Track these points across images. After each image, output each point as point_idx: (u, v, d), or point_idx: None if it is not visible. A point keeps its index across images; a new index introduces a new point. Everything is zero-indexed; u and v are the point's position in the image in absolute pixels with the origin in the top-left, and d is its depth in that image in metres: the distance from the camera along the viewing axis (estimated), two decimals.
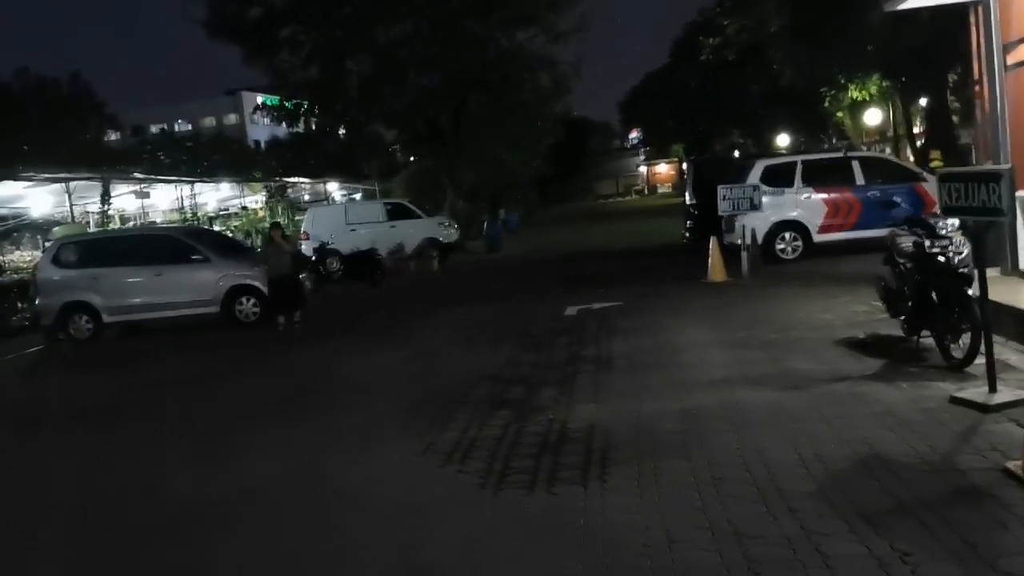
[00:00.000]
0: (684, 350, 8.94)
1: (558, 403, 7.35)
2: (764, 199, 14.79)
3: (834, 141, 38.37)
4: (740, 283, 13.71)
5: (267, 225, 29.89)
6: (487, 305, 14.59)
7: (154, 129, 60.20)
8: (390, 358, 10.49)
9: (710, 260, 14.28)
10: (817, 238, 15.76)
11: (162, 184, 25.92)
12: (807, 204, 15.71)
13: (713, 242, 14.33)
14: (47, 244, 16.31)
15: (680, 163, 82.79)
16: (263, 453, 6.81)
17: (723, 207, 14.37)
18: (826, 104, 33.15)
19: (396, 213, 25.70)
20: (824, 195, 15.66)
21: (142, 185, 23.02)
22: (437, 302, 16.00)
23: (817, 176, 15.79)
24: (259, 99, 33.98)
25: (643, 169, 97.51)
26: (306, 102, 30.79)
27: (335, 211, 27.20)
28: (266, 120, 38.12)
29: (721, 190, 14.38)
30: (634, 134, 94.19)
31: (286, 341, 13.15)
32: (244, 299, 14.86)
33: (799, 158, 16.58)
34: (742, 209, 14.25)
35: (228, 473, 6.45)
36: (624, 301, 12.96)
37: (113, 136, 53.17)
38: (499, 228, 30.30)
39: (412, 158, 40.92)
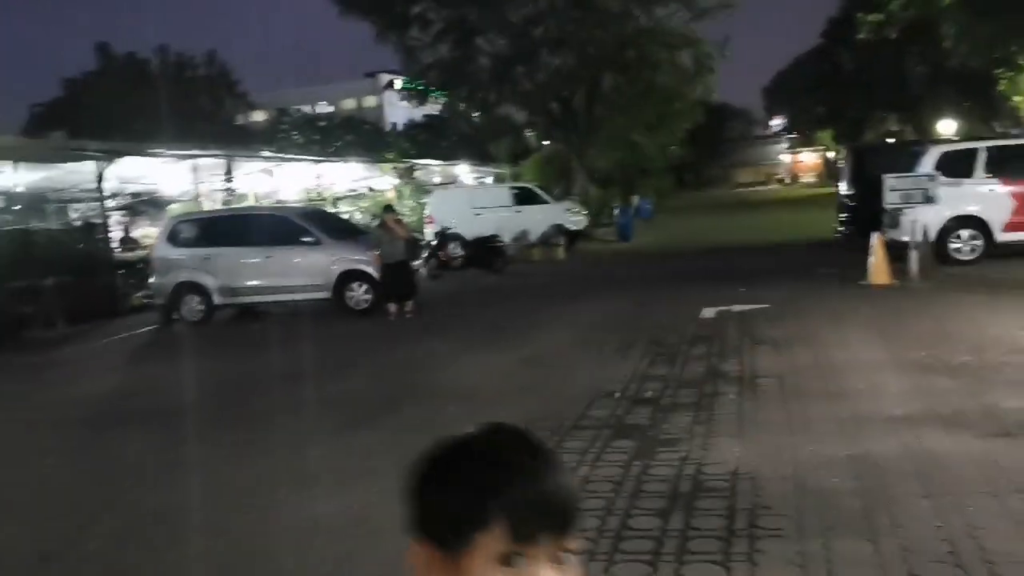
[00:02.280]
0: (849, 372, 7.36)
1: (692, 435, 5.99)
2: (941, 191, 12.79)
3: (1003, 130, 34.82)
4: (908, 287, 11.84)
5: (402, 207, 29.69)
6: (614, 301, 13.23)
7: (305, 110, 61.17)
8: (501, 361, 9.32)
9: (872, 259, 12.45)
10: (1001, 237, 13.62)
11: (291, 163, 25.74)
12: (990, 197, 13.59)
13: (876, 238, 12.48)
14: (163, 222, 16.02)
15: (826, 152, 78.63)
16: (329, 489, 5.74)
17: (891, 200, 12.48)
18: (1001, 87, 29.86)
19: (523, 198, 24.56)
20: (1012, 187, 13.50)
21: (268, 164, 22.75)
22: (559, 295, 14.77)
23: (1004, 165, 13.63)
24: (385, 79, 33.48)
25: (785, 157, 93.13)
26: (436, 82, 29.99)
27: (460, 195, 26.29)
28: (401, 102, 37.75)
29: (889, 180, 12.49)
30: (776, 121, 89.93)
31: (394, 334, 12.20)
32: (356, 285, 14.04)
33: (983, 144, 14.40)
34: (914, 202, 12.32)
35: (281, 511, 5.40)
36: (771, 304, 11.35)
37: (257, 117, 54.35)
38: (631, 216, 28.73)
39: (544, 142, 39.73)
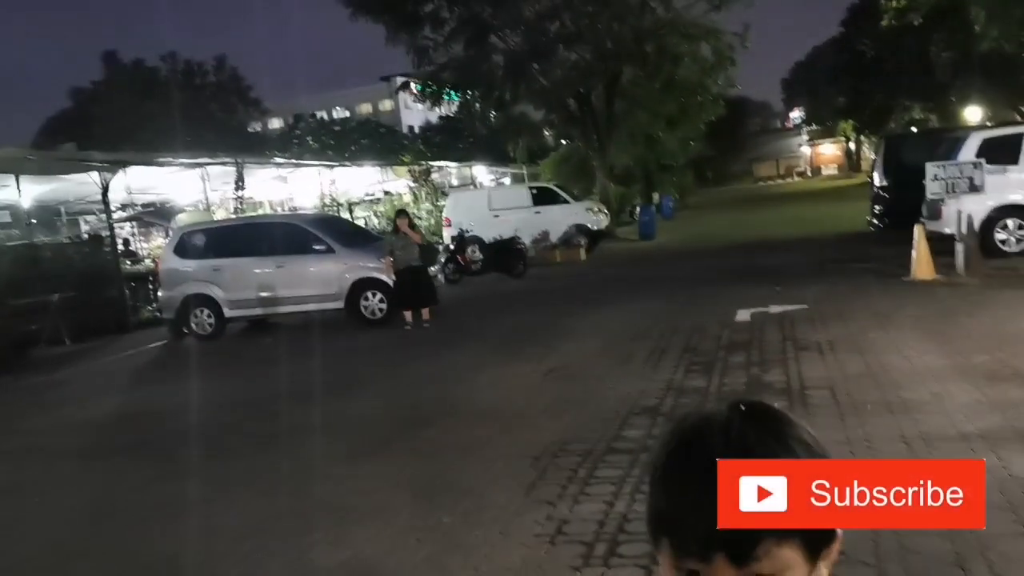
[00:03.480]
0: (908, 381, 6.68)
1: None
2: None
3: None
4: (956, 283, 11.10)
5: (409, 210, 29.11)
6: (642, 304, 12.57)
7: (321, 116, 60.72)
8: (525, 374, 8.69)
9: (915, 253, 11.72)
10: None
11: (306, 168, 25.23)
12: None
13: (919, 231, 11.74)
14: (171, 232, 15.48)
15: (847, 143, 77.42)
16: (331, 534, 5.13)
17: (934, 189, 11.71)
18: None
19: (542, 198, 23.90)
20: None
21: (281, 171, 22.24)
22: (584, 299, 14.12)
23: None
24: (400, 82, 32.77)
25: (806, 150, 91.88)
26: (450, 83, 29.36)
27: (478, 196, 25.69)
28: (416, 104, 37.12)
29: (932, 168, 11.72)
30: (796, 113, 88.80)
31: (410, 345, 11.60)
32: (370, 294, 13.47)
33: None
34: (959, 191, 11.56)
35: (271, 563, 4.80)
36: (809, 304, 10.66)
37: (273, 123, 53.84)
38: (653, 213, 28.00)
39: (562, 141, 38.98)
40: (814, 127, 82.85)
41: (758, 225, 27.03)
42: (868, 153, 73.99)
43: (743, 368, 7.80)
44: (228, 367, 11.80)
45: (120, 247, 19.02)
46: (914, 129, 43.53)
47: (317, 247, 13.73)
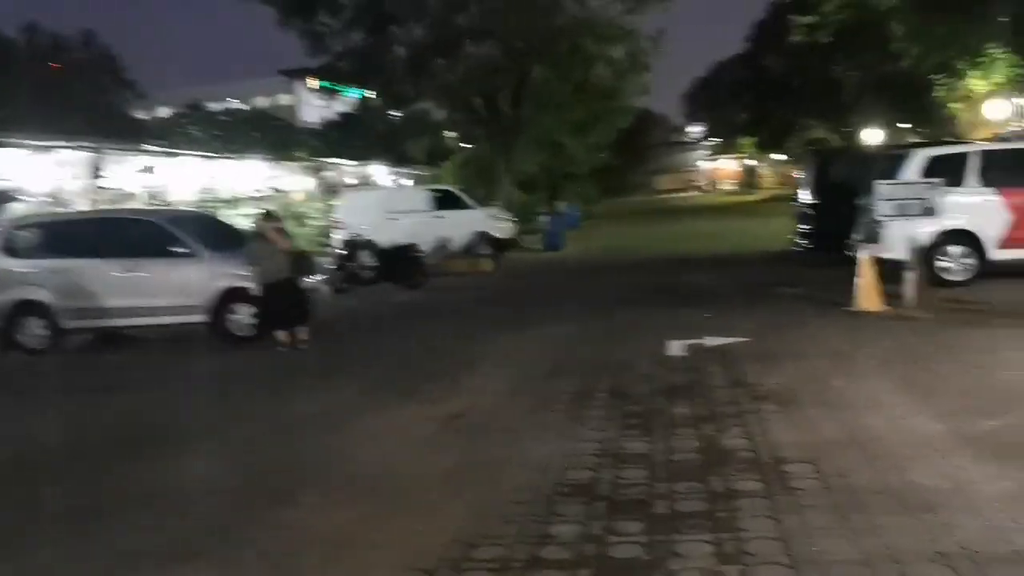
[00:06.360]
0: (908, 456, 5.22)
1: None
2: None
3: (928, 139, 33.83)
4: (907, 316, 9.88)
5: (310, 210, 26.77)
6: (556, 328, 10.97)
7: (213, 107, 57.10)
8: (420, 422, 6.94)
9: (860, 280, 10.49)
10: (995, 255, 11.88)
11: (187, 160, 22.80)
12: (984, 209, 11.82)
13: (866, 257, 10.52)
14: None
15: (747, 159, 78.23)
16: None
17: (883, 210, 10.52)
18: (939, 94, 28.78)
19: (444, 202, 22.08)
20: (1008, 198, 11.76)
21: (153, 161, 19.82)
22: (490, 319, 12.49)
23: (999, 172, 11.89)
24: (299, 75, 30.45)
25: (705, 165, 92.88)
26: (347, 74, 27.31)
27: (374, 197, 23.72)
28: (316, 100, 34.91)
29: (883, 188, 10.54)
30: (696, 128, 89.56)
31: (278, 374, 9.65)
32: (239, 306, 11.44)
33: (976, 147, 12.68)
34: (913, 214, 10.40)
35: None
36: (749, 336, 9.25)
37: (164, 112, 49.92)
38: (560, 223, 26.61)
39: (462, 145, 37.19)
40: (715, 142, 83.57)
41: (669, 239, 26.00)
42: (766, 170, 75.13)
43: (691, 425, 6.24)
44: (44, 394, 9.45)
45: None
46: (869, 144, 43.34)
47: (177, 249, 11.62)
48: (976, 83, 26.46)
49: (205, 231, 12.35)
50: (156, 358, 11.40)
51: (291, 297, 10.54)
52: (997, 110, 29.10)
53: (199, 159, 23.13)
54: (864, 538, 4.13)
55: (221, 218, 15.85)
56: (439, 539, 4.49)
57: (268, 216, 11.30)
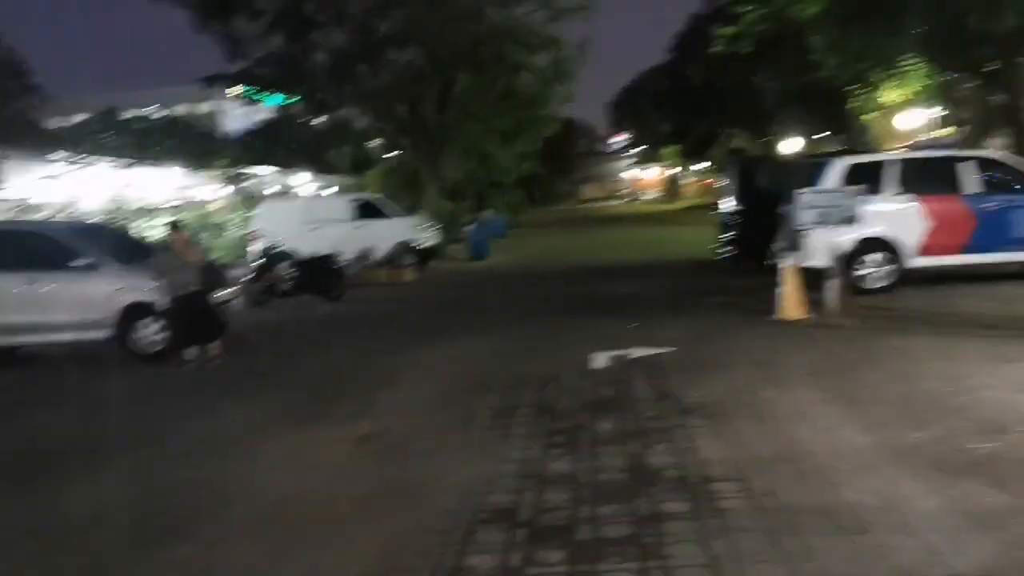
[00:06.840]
0: (838, 471, 5.07)
1: None
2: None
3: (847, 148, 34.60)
4: (830, 324, 9.86)
5: (228, 220, 25.87)
6: (479, 340, 10.66)
7: (129, 115, 55.28)
8: (332, 443, 6.56)
9: (783, 289, 10.46)
10: (913, 262, 12.00)
11: (96, 168, 21.79)
12: (902, 217, 11.93)
13: (790, 266, 10.49)
14: None
15: (670, 168, 79.16)
16: None
17: (805, 219, 10.50)
18: (855, 104, 29.46)
19: (366, 211, 21.63)
20: (925, 205, 11.90)
21: (57, 170, 18.87)
22: (410, 331, 12.13)
23: (917, 180, 12.03)
24: (219, 82, 29.43)
25: (628, 174, 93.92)
26: (267, 80, 26.58)
27: (293, 207, 23.11)
28: (237, 110, 33.98)
29: (805, 196, 10.52)
30: (619, 137, 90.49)
31: (185, 393, 9.13)
32: (145, 322, 10.85)
33: (894, 156, 12.80)
34: (834, 222, 10.41)
35: None
36: (676, 346, 9.10)
37: (77, 118, 47.93)
38: (485, 232, 26.33)
39: (385, 155, 36.59)
40: (638, 151, 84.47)
41: (594, 248, 25.98)
42: (688, 179, 76.15)
43: (617, 442, 6.00)
44: None
45: None
46: (787, 152, 44.06)
47: (78, 262, 10.98)
48: (891, 94, 27.17)
49: (109, 243, 11.71)
50: (55, 378, 10.74)
51: (201, 311, 10.01)
52: (910, 120, 29.97)
53: (110, 168, 22.15)
54: (795, 562, 3.93)
55: (129, 229, 15.14)
56: (348, 575, 4.14)
57: (176, 227, 10.73)
